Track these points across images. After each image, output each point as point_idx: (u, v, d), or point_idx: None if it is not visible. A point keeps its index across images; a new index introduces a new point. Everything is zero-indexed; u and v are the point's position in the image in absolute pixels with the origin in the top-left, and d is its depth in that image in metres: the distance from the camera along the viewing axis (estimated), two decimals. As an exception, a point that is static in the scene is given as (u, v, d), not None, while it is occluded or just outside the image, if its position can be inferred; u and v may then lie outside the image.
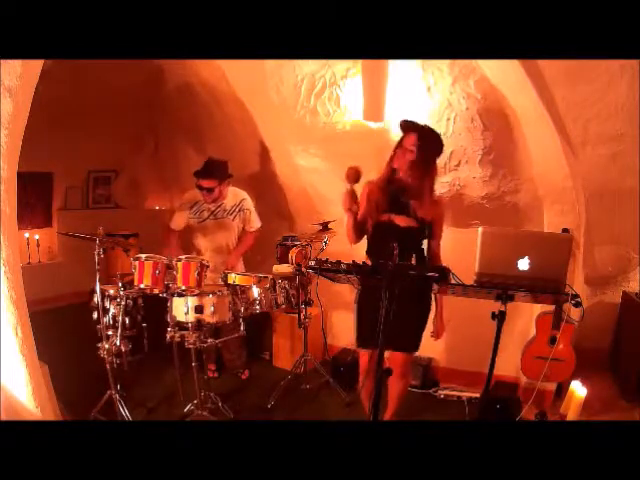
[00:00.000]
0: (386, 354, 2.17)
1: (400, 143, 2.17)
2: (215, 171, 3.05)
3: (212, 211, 3.15)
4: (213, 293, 2.58)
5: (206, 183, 3.03)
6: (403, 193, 2.18)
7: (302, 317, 3.04)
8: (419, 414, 2.91)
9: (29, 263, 4.66)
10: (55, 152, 4.52)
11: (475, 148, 2.75)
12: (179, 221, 3.19)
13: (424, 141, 2.11)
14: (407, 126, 2.17)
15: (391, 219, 2.19)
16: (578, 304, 1.74)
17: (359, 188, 2.29)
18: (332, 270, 1.75)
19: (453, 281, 1.65)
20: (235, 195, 3.22)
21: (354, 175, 2.21)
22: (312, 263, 1.79)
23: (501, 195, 2.93)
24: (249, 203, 3.27)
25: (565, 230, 2.55)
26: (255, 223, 3.31)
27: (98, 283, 2.50)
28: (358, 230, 2.32)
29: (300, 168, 3.51)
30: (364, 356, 2.36)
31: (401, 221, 2.17)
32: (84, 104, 4.30)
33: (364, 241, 2.38)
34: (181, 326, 2.57)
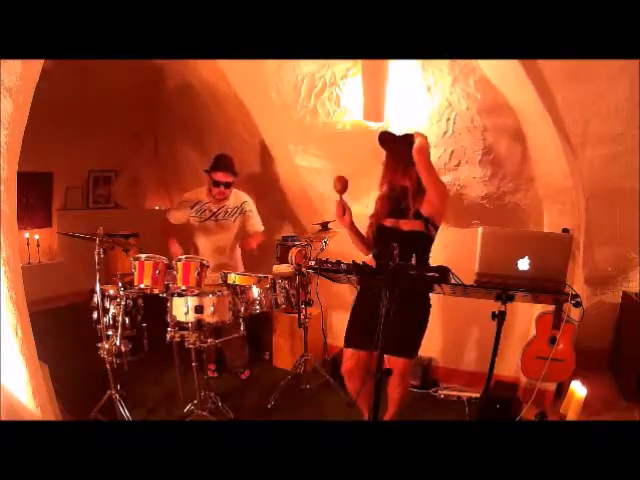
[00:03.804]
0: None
1: (385, 155, 2.30)
2: (230, 165, 3.09)
3: (214, 212, 3.16)
4: (213, 293, 2.58)
5: (224, 177, 3.06)
6: (402, 197, 2.24)
7: (302, 317, 3.04)
8: (419, 414, 2.91)
9: (29, 263, 4.65)
10: (55, 152, 4.51)
11: (475, 148, 2.75)
12: (177, 216, 3.20)
13: (397, 149, 2.22)
14: (383, 140, 2.28)
15: (396, 224, 2.25)
16: (578, 304, 1.74)
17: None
18: (332, 270, 1.75)
19: (453, 281, 1.65)
20: (237, 197, 3.24)
21: (339, 184, 2.29)
22: (312, 263, 1.80)
23: (501, 195, 2.92)
24: (251, 205, 3.30)
25: (565, 230, 2.55)
26: (258, 226, 3.33)
27: (98, 283, 2.50)
28: (365, 243, 2.42)
29: (300, 168, 3.51)
30: (347, 362, 2.34)
31: (405, 225, 2.23)
32: (84, 104, 4.29)
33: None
34: (181, 326, 2.57)
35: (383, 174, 2.31)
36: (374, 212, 2.38)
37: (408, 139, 2.19)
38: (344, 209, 2.33)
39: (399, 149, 2.22)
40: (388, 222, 2.27)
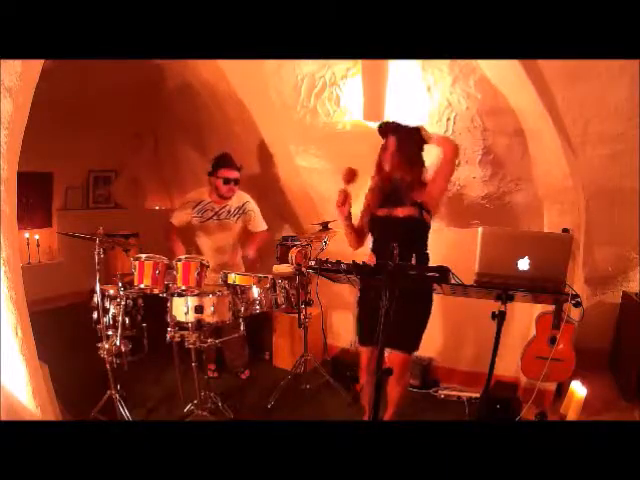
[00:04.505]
0: (385, 354, 2.18)
1: (385, 146, 2.29)
2: (233, 162, 3.12)
3: (216, 212, 3.16)
4: (213, 293, 2.58)
5: (232, 174, 3.09)
6: (398, 188, 2.24)
7: (302, 317, 3.04)
8: (419, 414, 2.91)
9: (29, 263, 4.66)
10: (55, 152, 4.52)
11: (475, 148, 2.75)
12: (180, 217, 3.20)
13: (404, 141, 2.23)
14: (386, 130, 2.29)
15: (390, 212, 2.24)
16: (578, 304, 1.74)
17: (355, 188, 2.31)
18: (332, 270, 1.75)
19: (453, 281, 1.65)
20: (239, 197, 3.24)
21: (348, 175, 2.29)
22: (312, 263, 1.80)
23: (501, 195, 2.93)
24: (253, 205, 3.31)
25: (565, 230, 2.55)
26: (260, 225, 3.33)
27: (98, 283, 2.50)
28: (357, 236, 2.41)
29: (300, 168, 3.51)
30: (365, 354, 2.39)
31: (400, 212, 2.22)
32: (84, 104, 4.29)
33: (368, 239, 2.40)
34: (181, 326, 2.57)
35: (382, 165, 2.28)
36: (365, 207, 2.37)
37: (415, 134, 2.22)
38: (345, 198, 2.30)
39: (406, 141, 2.23)
40: (382, 212, 2.27)
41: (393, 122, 2.30)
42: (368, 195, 2.38)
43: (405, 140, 2.24)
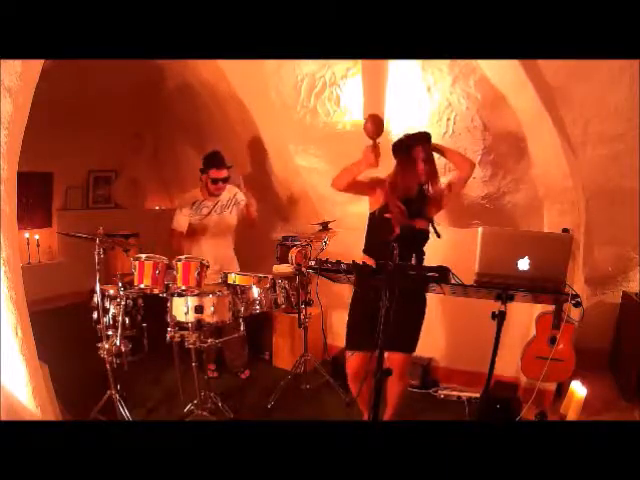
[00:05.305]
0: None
1: (409, 158, 2.21)
2: (223, 160, 3.15)
3: (211, 208, 3.18)
4: (213, 293, 2.58)
5: (222, 174, 3.12)
6: (421, 199, 2.23)
7: (302, 317, 3.04)
8: (419, 414, 2.91)
9: (29, 263, 4.66)
10: (55, 152, 4.52)
11: (475, 148, 2.74)
12: (182, 221, 3.20)
13: (428, 147, 2.24)
14: (415, 139, 2.24)
15: (412, 224, 2.21)
16: (578, 304, 1.74)
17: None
18: (332, 270, 1.75)
19: (453, 281, 1.65)
20: (229, 190, 3.28)
21: (374, 127, 2.22)
22: (312, 263, 1.80)
23: (501, 195, 2.92)
24: (242, 195, 3.37)
25: (565, 230, 2.55)
26: (253, 203, 3.38)
27: (98, 283, 2.50)
28: (352, 186, 2.31)
29: (300, 168, 3.51)
30: (352, 362, 2.33)
31: (418, 224, 2.21)
32: (84, 104, 4.29)
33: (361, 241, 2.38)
34: (181, 326, 2.57)
35: (404, 176, 2.22)
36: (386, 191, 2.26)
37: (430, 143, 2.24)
38: (374, 155, 2.21)
39: (429, 151, 2.23)
40: (406, 222, 2.21)
41: (416, 133, 2.28)
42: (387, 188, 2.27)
43: (429, 150, 2.23)
